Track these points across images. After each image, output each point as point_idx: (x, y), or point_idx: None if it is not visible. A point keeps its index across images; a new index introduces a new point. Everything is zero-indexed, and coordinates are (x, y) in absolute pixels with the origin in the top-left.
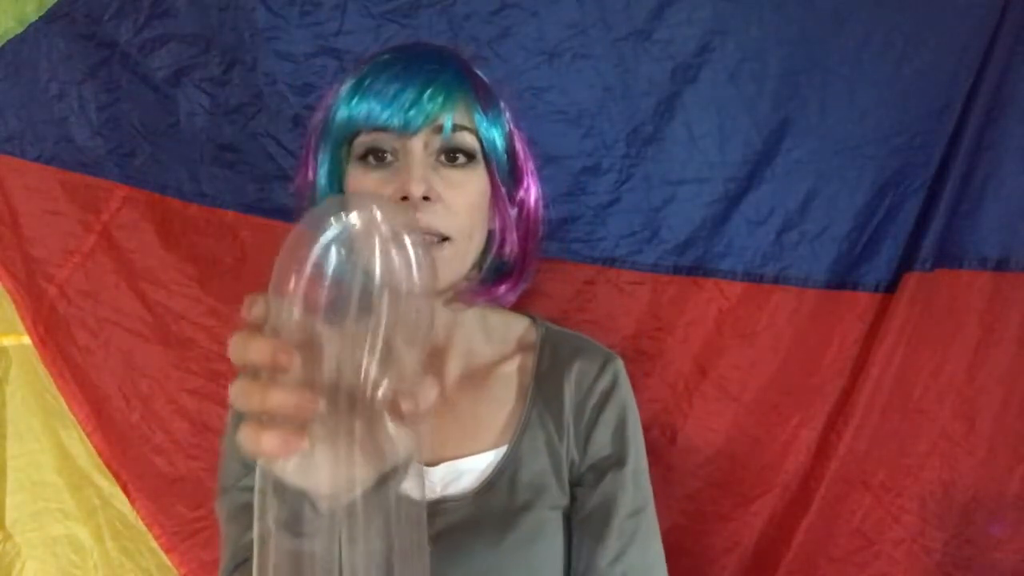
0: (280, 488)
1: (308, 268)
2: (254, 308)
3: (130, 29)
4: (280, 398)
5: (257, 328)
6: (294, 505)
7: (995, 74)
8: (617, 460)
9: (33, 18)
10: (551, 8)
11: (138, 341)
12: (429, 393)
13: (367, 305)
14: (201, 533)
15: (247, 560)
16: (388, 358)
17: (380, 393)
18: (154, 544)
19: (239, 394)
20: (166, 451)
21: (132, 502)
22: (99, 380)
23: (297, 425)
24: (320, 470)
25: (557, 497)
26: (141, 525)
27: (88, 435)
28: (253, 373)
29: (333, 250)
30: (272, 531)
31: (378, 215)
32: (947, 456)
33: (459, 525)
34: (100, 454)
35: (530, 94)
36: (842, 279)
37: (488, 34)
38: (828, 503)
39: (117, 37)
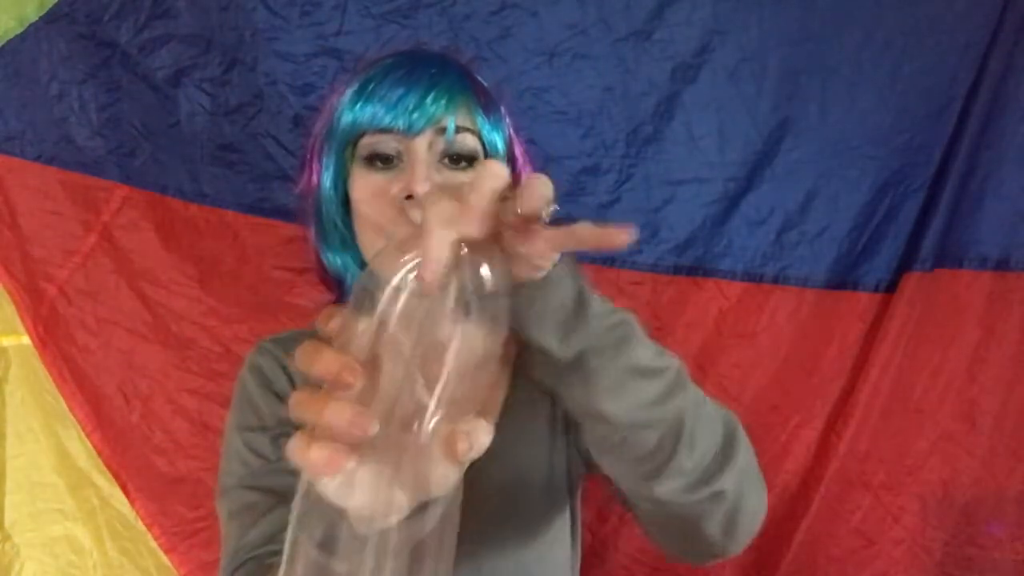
0: (319, 504)
1: (388, 291)
2: (331, 321)
3: (130, 29)
4: (336, 413)
5: (327, 342)
6: (331, 522)
7: (995, 74)
8: None
9: (33, 18)
10: (551, 8)
11: (138, 341)
12: (483, 437)
13: (436, 335)
14: (201, 533)
15: (248, 560)
16: (451, 393)
17: (431, 426)
18: (154, 544)
19: (298, 403)
20: (166, 451)
21: (132, 502)
22: (99, 380)
23: (347, 443)
24: (362, 492)
25: (553, 465)
26: (140, 525)
27: (88, 435)
28: (315, 386)
29: (412, 278)
30: (304, 546)
31: (463, 248)
32: (947, 456)
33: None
34: (100, 454)
35: (530, 94)
36: (842, 279)
37: (488, 34)
38: (828, 503)
39: (117, 37)
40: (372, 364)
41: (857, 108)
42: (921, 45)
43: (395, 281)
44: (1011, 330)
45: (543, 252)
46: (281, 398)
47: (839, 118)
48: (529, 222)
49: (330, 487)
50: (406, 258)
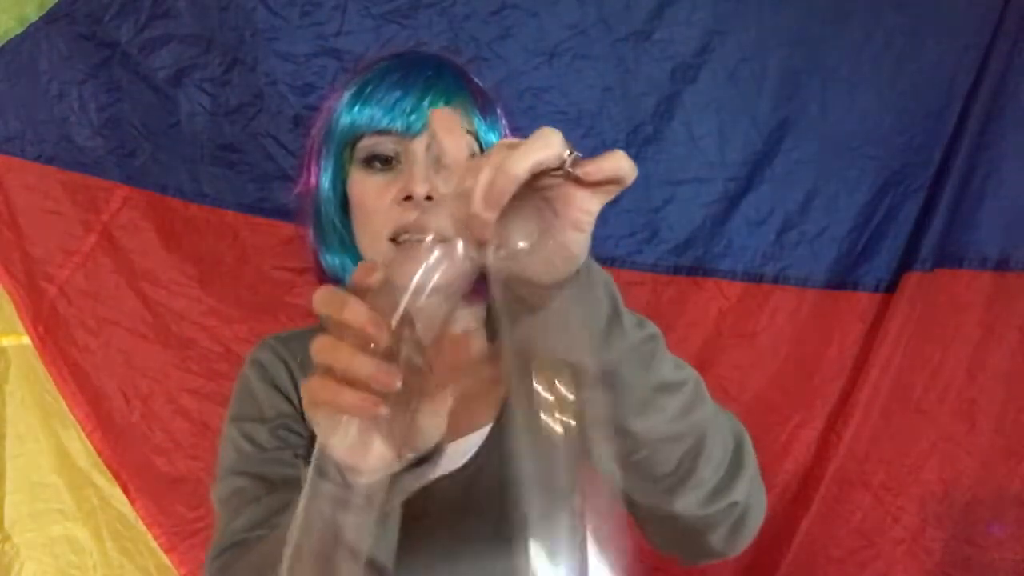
0: (327, 462)
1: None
2: (373, 274)
3: (131, 29)
4: (364, 364)
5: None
6: (336, 479)
7: (995, 74)
8: None
9: (33, 18)
10: (551, 8)
11: (138, 341)
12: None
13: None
14: (201, 533)
15: (232, 546)
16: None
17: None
18: (154, 544)
19: (328, 348)
20: (166, 451)
21: (132, 502)
22: (99, 380)
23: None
24: (370, 448)
25: None
26: (141, 525)
27: (88, 435)
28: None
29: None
30: (313, 503)
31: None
32: (947, 456)
33: (450, 503)
34: (100, 454)
35: (530, 94)
36: (842, 279)
37: (488, 34)
38: (828, 503)
39: (118, 37)
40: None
41: (857, 108)
42: (921, 45)
43: (418, 276)
44: (1011, 330)
45: (583, 200)
46: (282, 392)
47: (839, 118)
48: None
49: (338, 445)
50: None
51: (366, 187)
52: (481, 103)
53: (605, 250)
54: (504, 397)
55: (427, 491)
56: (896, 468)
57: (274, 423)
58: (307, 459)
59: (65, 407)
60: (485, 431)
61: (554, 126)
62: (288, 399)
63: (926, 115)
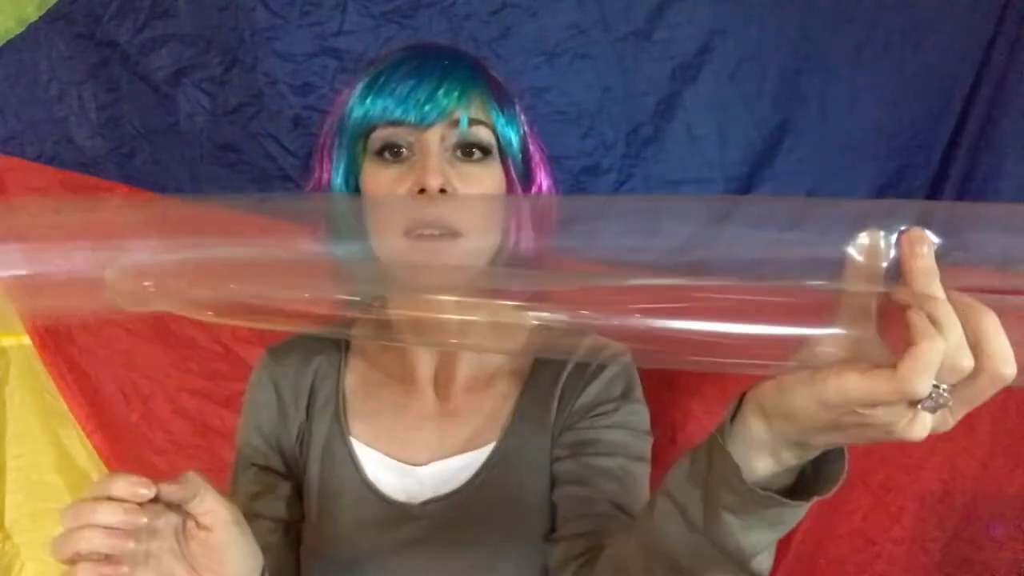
0: None
1: None
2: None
3: (130, 29)
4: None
5: None
6: None
7: (995, 74)
8: (623, 394)
9: (33, 18)
10: (551, 8)
11: (138, 341)
12: None
13: None
14: None
15: None
16: None
17: None
18: None
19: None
20: (166, 451)
21: None
22: (99, 380)
23: None
24: None
25: (548, 484)
26: None
27: (88, 435)
28: None
29: None
30: None
31: None
32: (947, 456)
33: (449, 521)
34: (100, 454)
35: (530, 94)
36: None
37: (488, 34)
38: (828, 503)
39: (117, 37)
40: None
41: (857, 108)
42: (921, 45)
43: None
44: (1011, 330)
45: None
46: (262, 432)
47: (839, 118)
48: None
49: None
50: None
51: (379, 180)
52: (499, 96)
53: None
54: (515, 413)
55: (427, 508)
56: (896, 468)
57: (246, 462)
58: None
59: (65, 407)
60: (488, 450)
61: (554, 126)
62: (264, 434)
63: (926, 115)
